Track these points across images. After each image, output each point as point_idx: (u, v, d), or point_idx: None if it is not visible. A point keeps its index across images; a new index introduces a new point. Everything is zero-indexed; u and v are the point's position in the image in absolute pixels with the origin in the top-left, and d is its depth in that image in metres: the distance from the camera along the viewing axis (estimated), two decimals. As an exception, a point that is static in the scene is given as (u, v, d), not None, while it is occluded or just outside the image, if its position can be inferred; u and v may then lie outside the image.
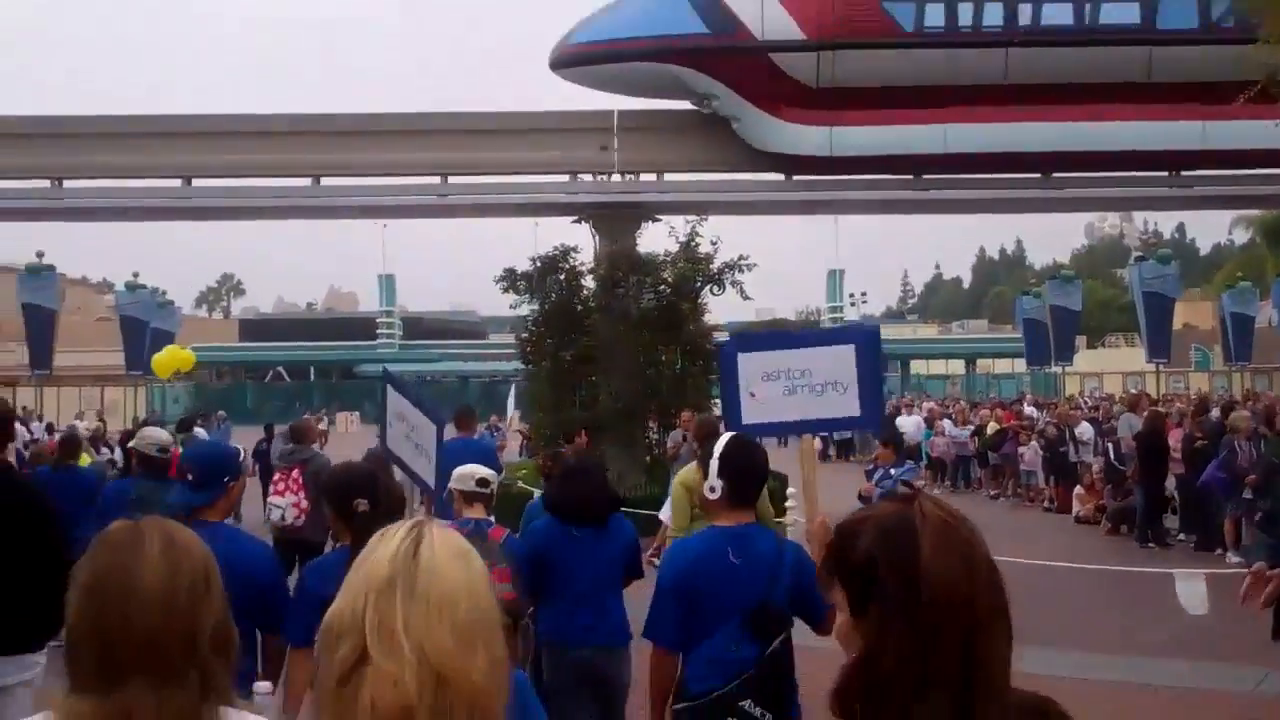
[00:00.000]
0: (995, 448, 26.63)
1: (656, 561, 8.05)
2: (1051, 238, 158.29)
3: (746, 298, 20.52)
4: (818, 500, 5.00)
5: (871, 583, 1.94)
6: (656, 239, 21.28)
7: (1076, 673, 9.96)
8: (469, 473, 6.41)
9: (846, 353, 5.28)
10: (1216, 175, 22.80)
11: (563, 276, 20.61)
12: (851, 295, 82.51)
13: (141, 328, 42.85)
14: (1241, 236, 65.63)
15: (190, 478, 5.32)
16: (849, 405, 5.25)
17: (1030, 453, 25.12)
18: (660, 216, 21.82)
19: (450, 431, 8.28)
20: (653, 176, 22.19)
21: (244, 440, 24.05)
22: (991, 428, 27.46)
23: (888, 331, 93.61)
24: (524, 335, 21.30)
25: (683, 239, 20.65)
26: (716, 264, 20.44)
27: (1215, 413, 20.55)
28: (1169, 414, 22.43)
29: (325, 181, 22.08)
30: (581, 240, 21.75)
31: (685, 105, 22.00)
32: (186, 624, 2.18)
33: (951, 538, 1.95)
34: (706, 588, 4.61)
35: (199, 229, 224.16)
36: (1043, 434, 24.97)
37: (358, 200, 22.89)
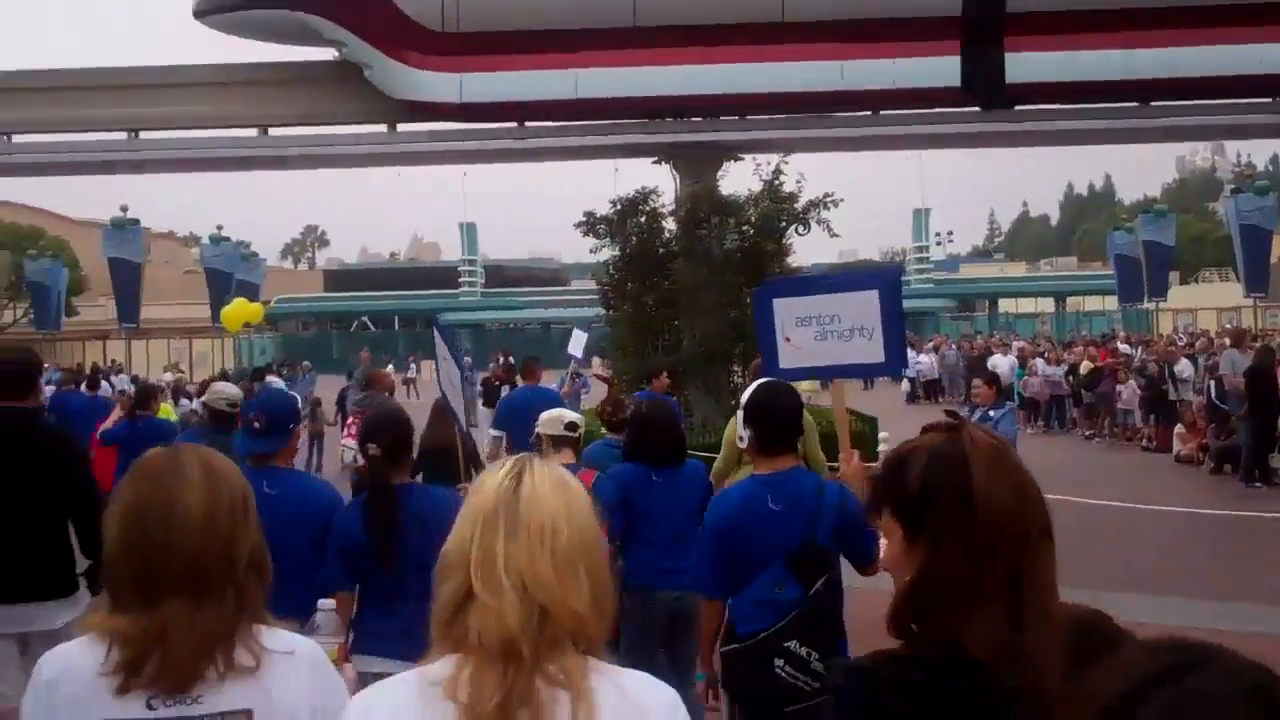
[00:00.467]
0: (1091, 386, 25.97)
1: None
2: (1141, 172, 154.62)
3: (834, 235, 19.94)
4: (849, 442, 5.28)
5: (925, 507, 2.02)
6: (739, 178, 20.87)
7: (1181, 620, 9.42)
8: (556, 417, 6.45)
9: (870, 298, 5.40)
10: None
11: (643, 219, 20.21)
12: (937, 234, 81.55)
13: (226, 280, 43.30)
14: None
15: (257, 425, 5.37)
16: (874, 351, 5.37)
17: (1128, 391, 24.47)
18: (743, 155, 21.27)
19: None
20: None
21: (329, 389, 24.15)
22: (1085, 366, 26.76)
23: (975, 270, 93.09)
24: (605, 280, 20.96)
25: (766, 177, 20.12)
26: (801, 203, 19.91)
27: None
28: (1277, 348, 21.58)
29: (401, 128, 21.82)
30: (662, 182, 21.29)
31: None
32: (225, 546, 2.31)
33: (1002, 463, 2.02)
34: (747, 535, 4.67)
35: (281, 183, 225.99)
36: (1141, 371, 24.28)
37: (433, 146, 22.63)
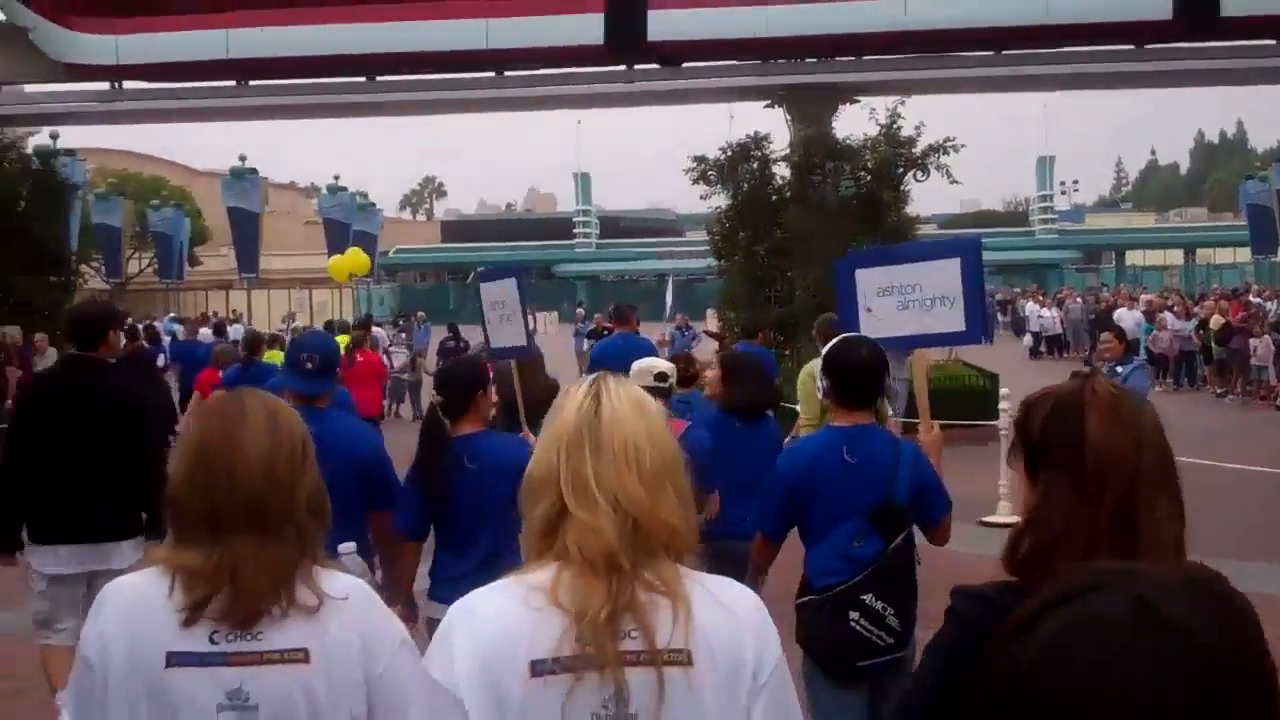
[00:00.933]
0: (1223, 341, 24.84)
1: None
2: (1275, 118, 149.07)
3: (954, 181, 19.32)
4: (929, 413, 5.42)
5: (1043, 452, 2.10)
6: (854, 123, 20.18)
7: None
8: (647, 367, 6.41)
9: (952, 267, 5.47)
10: None
11: (755, 165, 19.78)
12: (1062, 183, 79.47)
13: (344, 230, 43.62)
14: None
15: (309, 366, 5.43)
16: (955, 320, 5.47)
17: (1262, 347, 23.39)
18: (859, 98, 20.65)
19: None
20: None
21: (439, 339, 24.12)
22: (1216, 321, 25.61)
23: (1101, 220, 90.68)
24: (715, 230, 20.54)
25: (883, 121, 19.47)
26: (920, 148, 19.24)
27: None
28: None
29: (509, 72, 21.57)
30: (775, 129, 20.79)
31: None
32: (286, 487, 2.40)
33: (1119, 412, 2.06)
34: (823, 485, 4.70)
35: (402, 134, 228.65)
36: (1277, 327, 23.17)
37: (543, 90, 22.34)
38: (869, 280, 5.65)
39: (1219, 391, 24.99)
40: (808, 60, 20.99)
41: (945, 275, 5.46)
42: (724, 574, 5.77)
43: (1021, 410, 2.21)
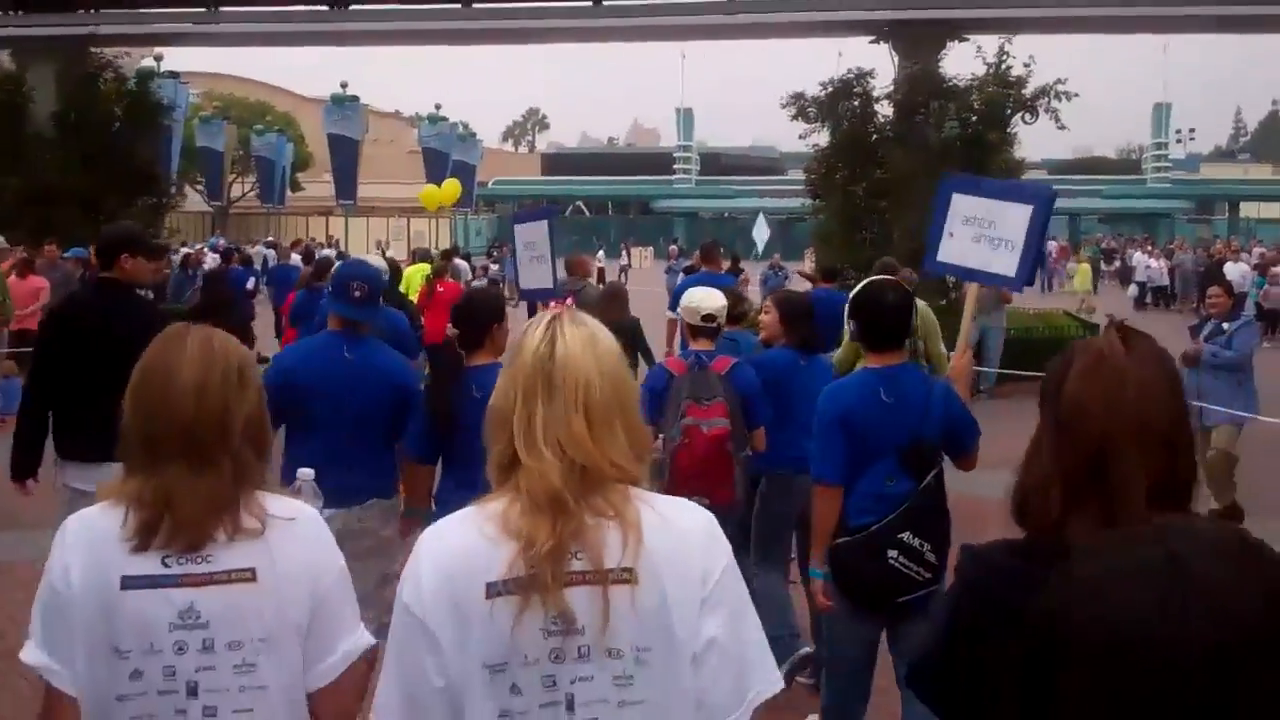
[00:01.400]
0: (1339, 299, 23.85)
1: None
2: None
3: (1062, 127, 18.66)
4: (965, 345, 5.69)
5: (1042, 398, 2.16)
6: (961, 61, 19.54)
7: None
8: (694, 307, 6.40)
9: (1025, 212, 5.56)
10: None
11: (856, 103, 19.22)
12: (1178, 131, 77.00)
13: (443, 160, 43.70)
14: None
15: (358, 294, 5.50)
16: (1010, 263, 5.60)
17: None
18: (968, 35, 19.90)
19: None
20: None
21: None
22: (1334, 276, 24.60)
23: (1216, 170, 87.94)
24: (813, 168, 20.06)
25: (991, 60, 18.78)
26: (1029, 89, 18.54)
27: None
28: None
29: (608, 2, 21.21)
30: (880, 65, 20.21)
31: None
32: (218, 415, 2.45)
33: (1101, 369, 2.06)
34: (862, 425, 4.77)
35: (505, 64, 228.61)
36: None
37: (642, 21, 21.93)
38: (961, 205, 5.74)
39: (1334, 351, 24.04)
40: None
41: (1018, 219, 5.56)
42: (782, 508, 6.18)
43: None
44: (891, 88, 19.51)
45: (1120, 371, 2.06)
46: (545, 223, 8.07)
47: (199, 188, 51.70)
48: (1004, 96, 18.53)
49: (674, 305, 11.28)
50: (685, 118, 76.49)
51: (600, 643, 2.08)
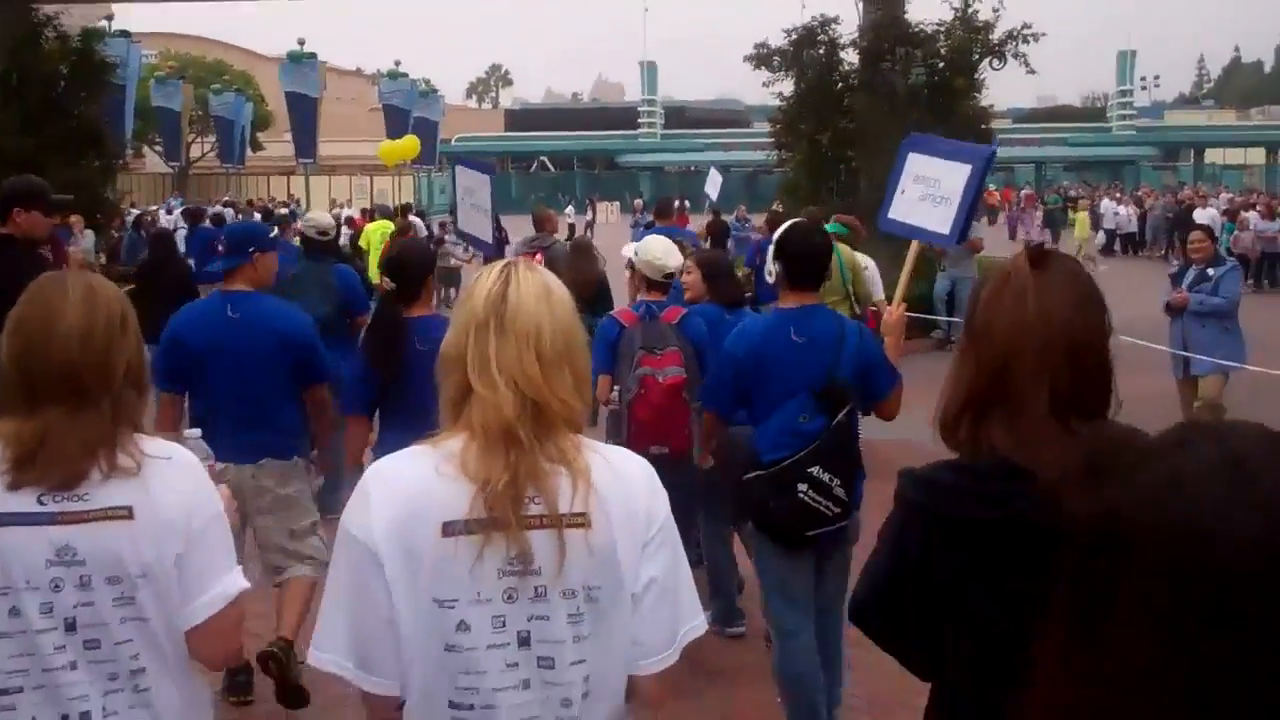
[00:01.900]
0: (1310, 243, 23.79)
1: None
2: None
3: (1031, 71, 18.45)
4: (902, 297, 5.62)
5: (964, 320, 2.28)
6: (928, 7, 19.16)
7: None
8: (659, 265, 6.52)
9: (964, 171, 5.54)
10: None
11: (821, 51, 18.90)
12: (1143, 78, 77.08)
13: (404, 117, 43.09)
14: None
15: (220, 249, 5.74)
16: (943, 221, 5.58)
17: (1352, 249, 22.32)
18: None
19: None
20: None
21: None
22: (1304, 221, 24.52)
23: (1180, 117, 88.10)
24: (778, 118, 19.76)
25: (958, 5, 18.53)
26: (997, 34, 18.31)
27: None
28: None
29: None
30: (844, 12, 19.87)
31: None
32: (101, 359, 2.51)
33: (1005, 290, 2.16)
34: (771, 364, 4.89)
35: (468, 21, 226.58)
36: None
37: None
38: (914, 165, 5.75)
39: (1303, 296, 24.01)
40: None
41: (957, 178, 5.57)
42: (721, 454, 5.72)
43: None
44: (857, 35, 19.21)
45: (1022, 291, 2.14)
46: (487, 178, 8.13)
47: (157, 149, 50.89)
48: (971, 42, 18.32)
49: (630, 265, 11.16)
50: (649, 71, 75.92)
51: (556, 583, 2.16)
